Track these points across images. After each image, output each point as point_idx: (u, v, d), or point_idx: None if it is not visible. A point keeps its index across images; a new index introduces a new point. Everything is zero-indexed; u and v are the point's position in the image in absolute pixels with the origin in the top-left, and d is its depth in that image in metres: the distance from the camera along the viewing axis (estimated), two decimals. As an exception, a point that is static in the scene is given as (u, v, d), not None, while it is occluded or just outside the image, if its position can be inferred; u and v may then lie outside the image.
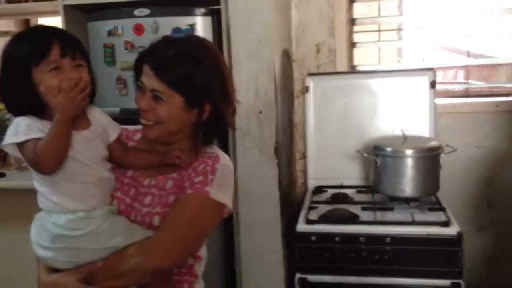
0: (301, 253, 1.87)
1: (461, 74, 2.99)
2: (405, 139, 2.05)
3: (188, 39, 1.31)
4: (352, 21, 2.51)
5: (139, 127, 1.36)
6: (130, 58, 2.29)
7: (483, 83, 2.63)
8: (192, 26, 2.31)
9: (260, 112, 2.10)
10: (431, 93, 2.24)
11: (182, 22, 2.30)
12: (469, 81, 2.65)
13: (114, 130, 1.27)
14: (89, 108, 1.22)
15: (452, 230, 1.80)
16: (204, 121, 1.26)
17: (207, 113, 1.24)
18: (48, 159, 1.09)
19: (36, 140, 1.09)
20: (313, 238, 1.86)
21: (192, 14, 2.32)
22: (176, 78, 1.20)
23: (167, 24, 2.30)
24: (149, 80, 1.21)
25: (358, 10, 2.56)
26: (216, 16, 2.33)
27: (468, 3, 2.48)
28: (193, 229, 1.21)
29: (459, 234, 1.78)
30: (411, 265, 1.81)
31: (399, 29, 2.82)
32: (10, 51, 1.15)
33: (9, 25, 4.44)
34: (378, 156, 2.03)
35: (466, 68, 2.66)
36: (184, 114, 1.23)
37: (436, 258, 1.79)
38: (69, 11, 2.45)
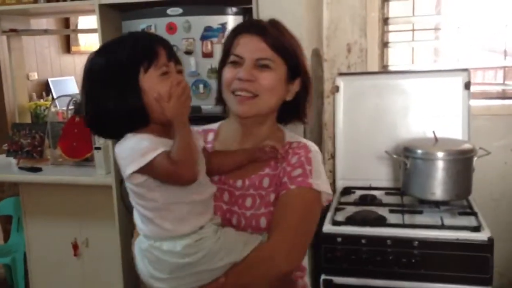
0: (327, 254, 1.86)
1: (500, 75, 2.90)
2: (436, 141, 2.01)
3: (279, 21, 1.28)
4: (385, 20, 2.47)
5: (206, 126, 1.35)
6: (162, 56, 2.33)
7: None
8: (224, 25, 2.32)
9: (289, 112, 2.09)
10: (465, 94, 2.19)
11: (214, 21, 2.32)
12: (507, 82, 2.56)
13: (199, 138, 1.21)
14: None
15: (483, 236, 1.75)
16: (289, 101, 1.26)
17: (298, 90, 1.25)
18: (188, 165, 1.03)
19: (166, 152, 1.02)
20: (339, 239, 1.84)
21: (224, 13, 2.34)
22: (283, 45, 1.20)
23: (199, 23, 2.33)
24: (255, 49, 1.19)
25: (392, 9, 2.52)
26: (248, 15, 2.34)
27: (506, 2, 2.40)
28: (306, 224, 1.18)
29: (490, 240, 1.73)
30: (439, 270, 1.76)
31: (434, 29, 2.76)
32: (109, 60, 1.06)
33: (49, 24, 4.60)
34: (408, 158, 2.00)
35: (504, 69, 2.57)
36: (282, 87, 1.22)
37: (465, 263, 1.75)
38: (105, 10, 2.51)
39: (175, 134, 1.03)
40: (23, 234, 3.01)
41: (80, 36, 5.38)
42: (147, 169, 1.02)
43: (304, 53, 1.28)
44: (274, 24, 1.24)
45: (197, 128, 1.33)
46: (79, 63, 5.47)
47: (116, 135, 1.09)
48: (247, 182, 1.23)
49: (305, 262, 1.32)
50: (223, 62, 1.24)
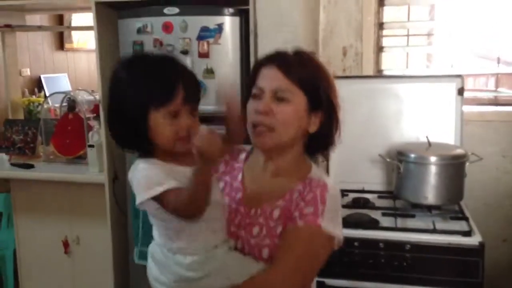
0: (319, 256, 1.87)
1: (492, 82, 2.93)
2: (429, 146, 2.02)
3: (305, 51, 1.28)
4: (380, 25, 2.49)
5: (242, 146, 1.34)
6: (158, 55, 2.33)
7: (513, 92, 2.58)
8: (220, 26, 2.33)
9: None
10: (458, 100, 2.20)
11: (211, 21, 2.33)
12: (499, 89, 2.59)
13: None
14: None
15: (474, 240, 1.76)
16: (317, 132, 1.24)
17: (322, 121, 1.23)
18: (199, 207, 1.03)
19: (176, 190, 1.02)
20: (332, 241, 1.85)
21: (220, 13, 2.34)
22: (303, 76, 1.19)
23: (196, 23, 2.34)
24: (273, 80, 1.19)
25: (388, 14, 2.54)
26: (244, 16, 2.34)
27: (500, 10, 2.43)
28: (305, 264, 1.17)
29: (481, 245, 1.74)
30: (430, 274, 1.78)
31: (428, 34, 2.78)
32: (132, 83, 1.07)
33: (43, 20, 4.57)
34: (401, 162, 2.01)
35: (496, 75, 2.60)
36: (303, 118, 1.20)
37: (456, 268, 1.76)
38: (101, 8, 2.50)
39: (195, 169, 1.01)
40: (13, 231, 2.99)
41: (73, 33, 5.36)
42: (156, 200, 1.05)
43: (331, 82, 1.25)
44: (298, 54, 1.24)
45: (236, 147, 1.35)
46: (72, 60, 5.45)
47: (124, 146, 1.13)
48: (258, 211, 1.23)
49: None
50: (248, 93, 1.24)
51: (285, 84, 1.18)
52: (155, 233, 1.18)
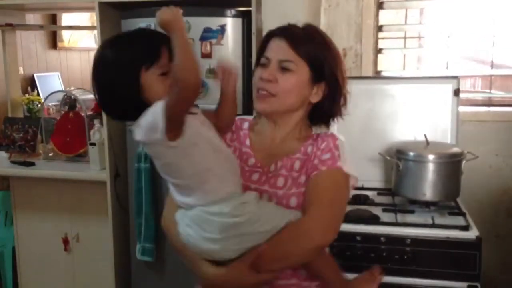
0: (323, 250, 1.93)
1: (479, 83, 3.02)
2: (427, 145, 2.09)
3: (314, 26, 1.36)
4: (379, 28, 2.56)
5: (243, 116, 1.42)
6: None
7: (505, 93, 2.67)
8: (223, 27, 2.38)
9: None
10: (454, 100, 2.28)
11: (213, 22, 2.38)
12: (492, 91, 2.68)
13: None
14: None
15: (471, 234, 1.83)
16: (320, 102, 1.31)
17: (325, 93, 1.30)
18: (193, 66, 1.02)
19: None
20: (335, 236, 1.91)
21: (223, 15, 2.39)
22: (309, 49, 1.26)
23: (199, 24, 2.38)
24: (279, 51, 1.26)
25: (385, 16, 2.61)
26: (246, 18, 2.40)
27: (492, 12, 2.52)
28: (338, 202, 1.26)
29: (478, 238, 1.82)
30: (430, 267, 1.85)
31: (423, 37, 2.86)
32: (117, 54, 1.12)
33: (36, 19, 4.57)
34: (400, 160, 2.08)
35: (490, 77, 2.69)
36: (305, 88, 1.28)
37: (454, 260, 1.83)
38: (104, 8, 2.53)
39: (173, 43, 1.04)
40: (11, 229, 3.00)
41: (64, 32, 5.33)
42: (169, 121, 1.05)
43: (337, 57, 1.32)
44: (307, 29, 1.31)
45: (239, 117, 1.42)
46: (64, 58, 5.45)
47: (123, 119, 1.24)
48: (279, 164, 1.30)
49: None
50: (257, 62, 1.32)
51: (291, 56, 1.25)
52: (182, 198, 1.20)
